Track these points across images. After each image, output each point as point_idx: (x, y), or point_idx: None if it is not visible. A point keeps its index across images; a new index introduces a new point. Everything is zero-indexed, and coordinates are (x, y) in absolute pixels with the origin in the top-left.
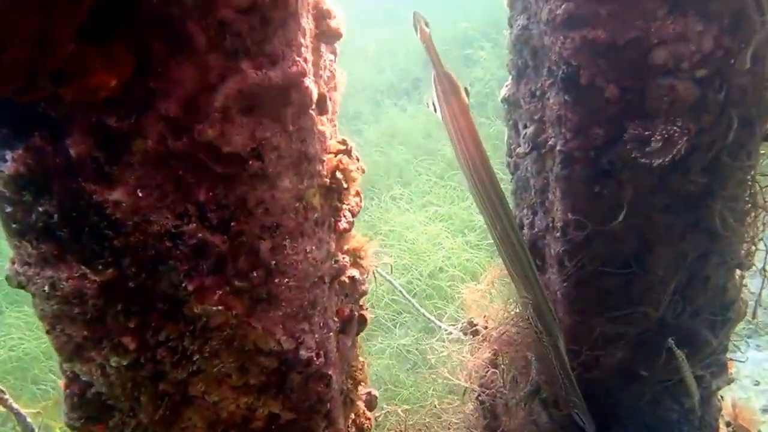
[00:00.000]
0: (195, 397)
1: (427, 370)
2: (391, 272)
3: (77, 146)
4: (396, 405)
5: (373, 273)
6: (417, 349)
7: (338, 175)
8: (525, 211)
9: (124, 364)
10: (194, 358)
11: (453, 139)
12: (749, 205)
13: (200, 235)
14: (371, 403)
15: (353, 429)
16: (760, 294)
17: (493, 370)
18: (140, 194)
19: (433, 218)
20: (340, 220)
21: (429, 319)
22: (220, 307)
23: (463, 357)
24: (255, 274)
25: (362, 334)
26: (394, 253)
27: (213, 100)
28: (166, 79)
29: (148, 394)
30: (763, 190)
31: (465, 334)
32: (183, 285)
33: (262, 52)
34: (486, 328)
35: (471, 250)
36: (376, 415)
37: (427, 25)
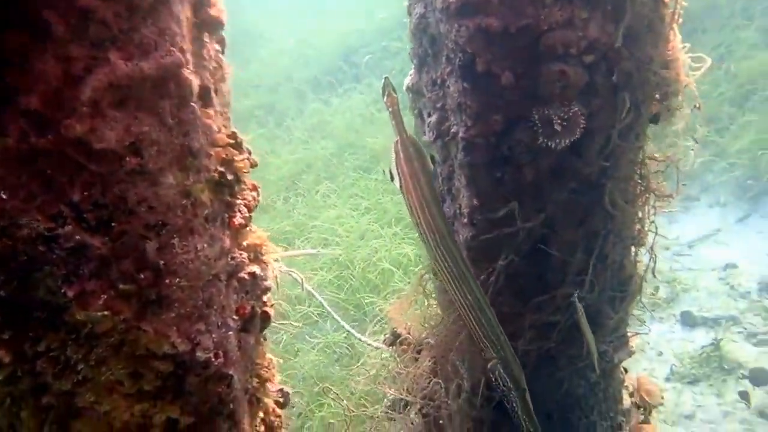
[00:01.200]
0: (84, 409)
1: (355, 373)
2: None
3: None
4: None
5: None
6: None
7: (227, 169)
8: None
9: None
10: (79, 368)
11: (414, 206)
12: (641, 187)
13: (78, 237)
14: (283, 401)
15: (262, 428)
16: (646, 272)
17: (436, 380)
18: (3, 196)
19: (361, 212)
20: (235, 216)
21: (351, 333)
22: (105, 313)
23: (402, 369)
24: (142, 276)
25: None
26: (319, 246)
27: (79, 93)
28: (26, 72)
29: (30, 408)
30: (654, 173)
31: (389, 345)
32: (62, 291)
33: (131, 42)
34: (408, 336)
35: (400, 242)
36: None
37: (394, 91)
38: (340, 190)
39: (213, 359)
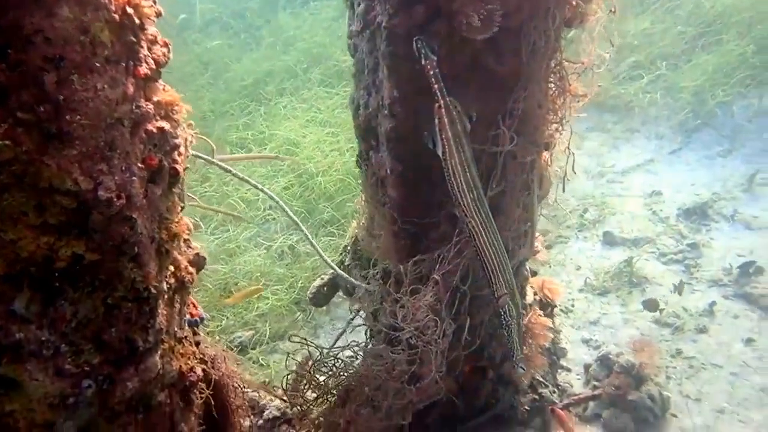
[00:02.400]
0: None
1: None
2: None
3: None
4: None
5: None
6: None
7: (129, 10)
8: (361, 92)
9: None
10: None
11: (455, 168)
12: (558, 90)
13: None
14: (198, 262)
15: (173, 280)
16: (565, 174)
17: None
18: None
19: (320, 124)
20: (141, 65)
21: (311, 243)
22: (6, 142)
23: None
24: (42, 108)
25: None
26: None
27: None
28: None
29: None
30: (570, 75)
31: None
32: None
33: None
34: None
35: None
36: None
37: (433, 53)
38: (301, 102)
39: (115, 200)
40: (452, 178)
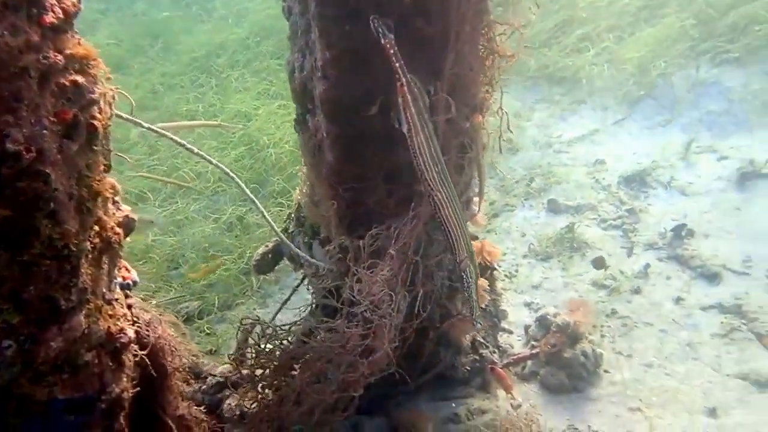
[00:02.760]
0: None
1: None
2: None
3: None
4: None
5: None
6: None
7: None
8: (296, 55)
9: None
10: None
11: (421, 142)
12: (486, 51)
13: None
14: (127, 224)
15: (97, 240)
16: (500, 138)
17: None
18: None
19: (272, 97)
20: (46, 13)
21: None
22: None
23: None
24: None
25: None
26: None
27: None
28: None
29: None
30: (497, 36)
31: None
32: None
33: None
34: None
35: None
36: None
37: (390, 31)
38: (253, 74)
39: (24, 153)
40: (417, 154)
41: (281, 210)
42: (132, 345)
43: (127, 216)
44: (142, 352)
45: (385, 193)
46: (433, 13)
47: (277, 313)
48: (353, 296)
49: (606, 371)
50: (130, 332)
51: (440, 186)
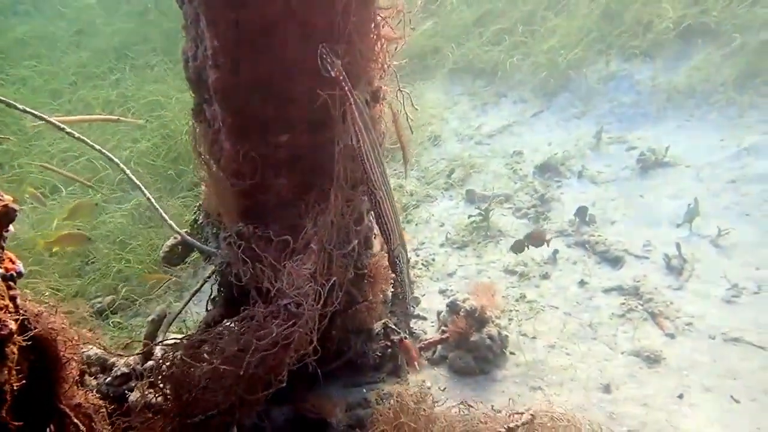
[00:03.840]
0: None
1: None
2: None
3: None
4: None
5: None
6: None
7: None
8: (190, 44)
9: None
10: None
11: (368, 149)
12: (374, 36)
13: None
14: (6, 214)
15: None
16: (395, 120)
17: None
18: None
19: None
20: None
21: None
22: None
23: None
24: None
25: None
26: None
27: None
28: None
29: None
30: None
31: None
32: None
33: None
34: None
35: None
36: None
37: (337, 56)
38: (172, 65)
39: None
40: (364, 160)
41: (199, 200)
42: (14, 337)
43: (6, 205)
44: (26, 343)
45: (284, 182)
46: (317, 4)
47: (186, 304)
48: (273, 286)
49: (512, 353)
50: (11, 324)
51: (381, 185)
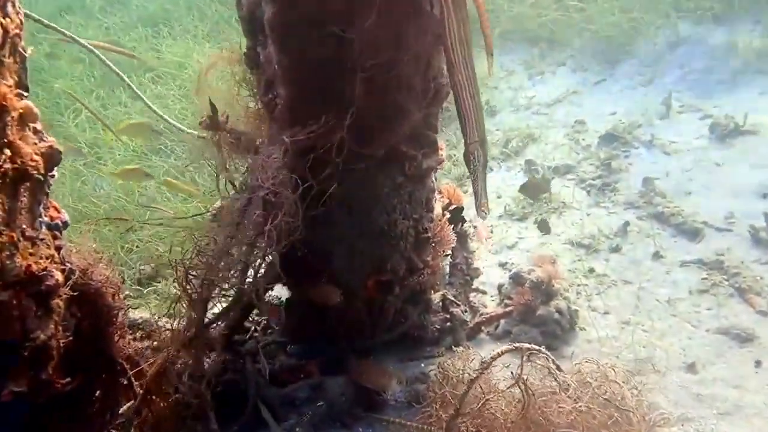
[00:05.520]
0: None
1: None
2: None
3: None
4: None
5: None
6: None
7: None
8: None
9: None
10: None
11: (452, 23)
12: None
13: None
14: (51, 156)
15: (9, 165)
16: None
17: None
18: None
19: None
20: None
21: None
22: None
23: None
24: None
25: None
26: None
27: None
28: None
29: None
30: None
31: (206, 128)
32: None
33: None
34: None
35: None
36: None
37: None
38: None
39: None
40: (447, 35)
41: None
42: (61, 289)
43: (51, 146)
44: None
45: (344, 134)
46: None
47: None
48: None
49: (582, 329)
50: (57, 275)
51: (462, 69)
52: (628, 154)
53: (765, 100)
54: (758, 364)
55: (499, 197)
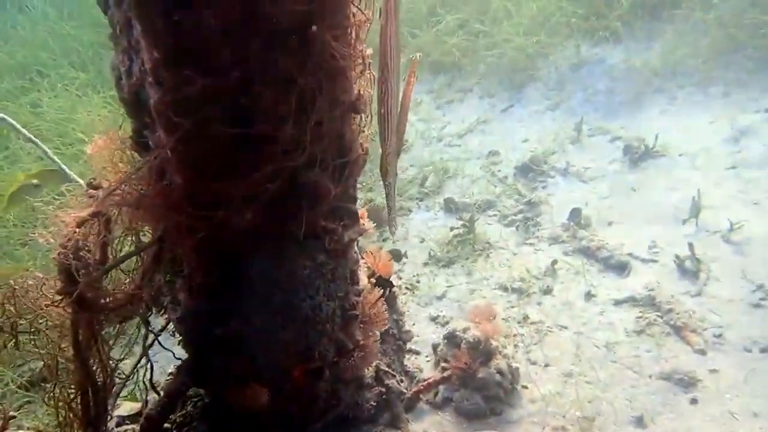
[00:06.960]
0: None
1: None
2: None
3: None
4: None
5: None
6: None
7: None
8: (121, 56)
9: None
10: None
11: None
12: (354, 36)
13: None
14: None
15: None
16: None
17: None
18: None
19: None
20: None
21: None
22: None
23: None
24: None
25: None
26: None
27: None
28: None
29: None
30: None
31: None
32: None
33: None
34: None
35: None
36: None
37: None
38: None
39: None
40: (382, 46)
41: None
42: None
43: None
44: None
45: (252, 212)
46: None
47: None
48: None
49: (524, 387)
50: None
51: (393, 75)
52: (545, 184)
53: (666, 119)
54: (704, 410)
55: (422, 241)
